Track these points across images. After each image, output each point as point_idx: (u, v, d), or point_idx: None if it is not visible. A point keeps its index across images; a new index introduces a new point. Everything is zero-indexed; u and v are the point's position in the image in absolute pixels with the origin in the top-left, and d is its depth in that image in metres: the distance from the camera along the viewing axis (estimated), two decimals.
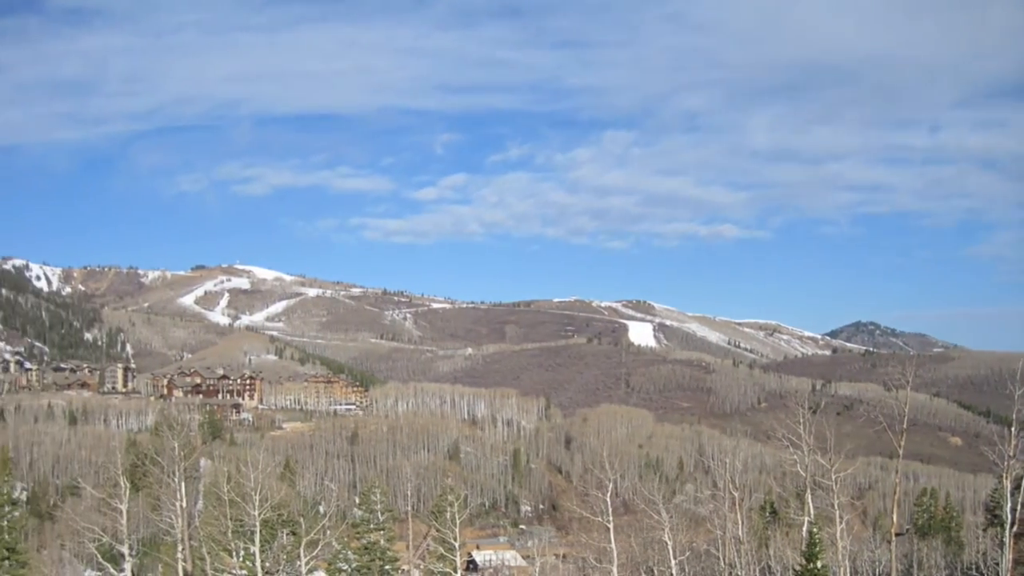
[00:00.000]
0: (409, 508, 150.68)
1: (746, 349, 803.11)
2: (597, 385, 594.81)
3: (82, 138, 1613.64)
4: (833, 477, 58.91)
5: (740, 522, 68.24)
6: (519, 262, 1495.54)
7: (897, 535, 64.74)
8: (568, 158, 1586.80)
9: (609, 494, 61.48)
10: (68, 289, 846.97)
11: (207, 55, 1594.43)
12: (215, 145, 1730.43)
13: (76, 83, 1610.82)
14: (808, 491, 61.65)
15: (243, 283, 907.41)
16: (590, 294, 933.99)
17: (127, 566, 57.71)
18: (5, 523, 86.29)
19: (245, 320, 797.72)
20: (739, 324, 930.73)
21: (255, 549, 58.74)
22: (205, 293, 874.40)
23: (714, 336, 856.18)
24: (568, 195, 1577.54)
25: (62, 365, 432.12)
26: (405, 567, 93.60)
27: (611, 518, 60.95)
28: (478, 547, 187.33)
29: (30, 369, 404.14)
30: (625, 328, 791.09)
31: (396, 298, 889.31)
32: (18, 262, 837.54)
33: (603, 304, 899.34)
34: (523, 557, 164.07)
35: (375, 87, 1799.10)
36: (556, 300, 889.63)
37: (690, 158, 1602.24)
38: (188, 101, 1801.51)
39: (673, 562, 61.58)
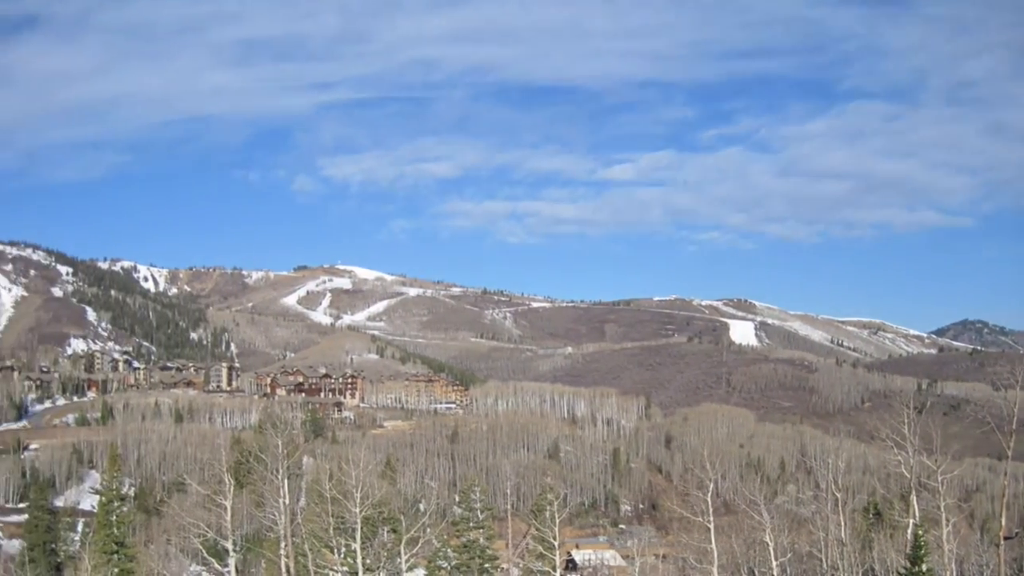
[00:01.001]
0: (509, 507, 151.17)
1: (849, 348, 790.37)
2: (697, 384, 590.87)
3: (190, 140, 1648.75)
4: (939, 478, 57.75)
5: (843, 524, 67.23)
6: (619, 260, 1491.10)
7: (1006, 538, 63.20)
8: (797, 131, 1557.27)
9: (710, 494, 61.00)
10: (174, 290, 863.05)
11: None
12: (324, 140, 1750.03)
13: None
14: (913, 493, 60.56)
15: (345, 283, 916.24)
16: (690, 292, 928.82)
17: (231, 561, 58.53)
18: (114, 518, 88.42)
19: (347, 320, 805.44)
20: (842, 322, 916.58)
21: (356, 546, 59.27)
22: (307, 293, 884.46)
23: (817, 335, 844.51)
24: (775, 178, 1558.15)
25: (169, 364, 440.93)
26: (504, 566, 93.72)
27: (711, 518, 60.43)
28: (577, 546, 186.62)
29: (138, 368, 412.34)
30: (726, 327, 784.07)
31: (496, 297, 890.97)
32: (126, 264, 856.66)
33: (703, 303, 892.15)
34: (622, 557, 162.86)
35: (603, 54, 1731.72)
36: (656, 299, 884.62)
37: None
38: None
39: (774, 563, 60.91)
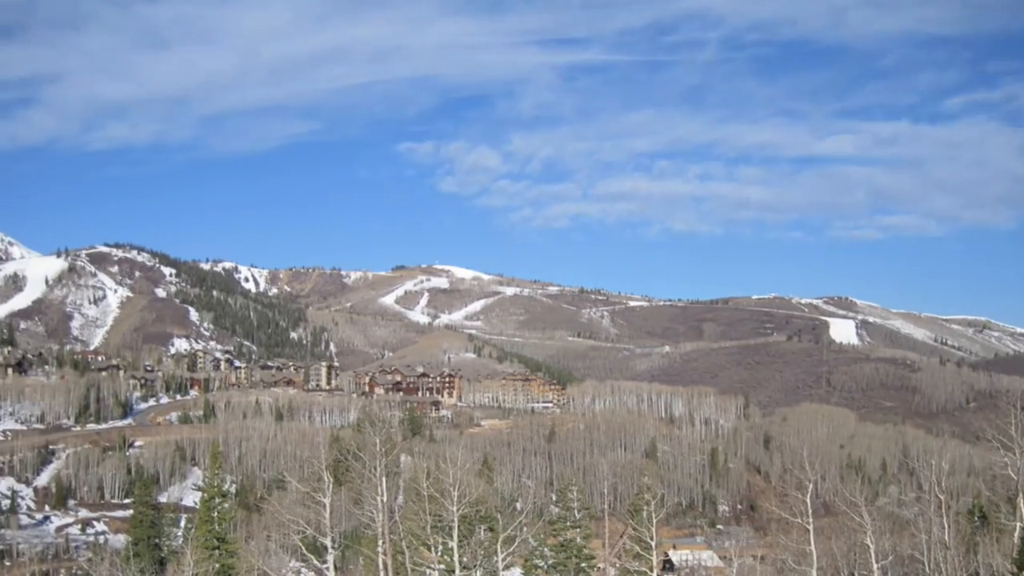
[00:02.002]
0: (605, 506, 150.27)
1: (953, 346, 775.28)
2: (797, 384, 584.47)
3: (295, 142, 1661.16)
4: None
5: (946, 526, 65.79)
6: (717, 259, 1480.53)
7: None
8: None
9: (809, 495, 60.19)
10: (274, 290, 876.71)
11: None
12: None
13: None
14: (1020, 495, 59.26)
15: (442, 283, 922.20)
16: (789, 291, 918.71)
17: (330, 558, 58.94)
18: (216, 514, 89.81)
19: (444, 319, 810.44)
20: (946, 320, 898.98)
21: (453, 544, 59.46)
22: (405, 293, 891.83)
23: (919, 333, 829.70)
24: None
25: (269, 363, 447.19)
26: (601, 565, 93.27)
27: (811, 520, 59.61)
28: (674, 547, 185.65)
29: (239, 367, 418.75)
30: (826, 325, 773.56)
31: (593, 296, 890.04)
32: (228, 265, 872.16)
33: (803, 301, 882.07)
34: (720, 558, 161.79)
35: None
36: (754, 297, 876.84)
37: None
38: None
39: (875, 566, 59.82)
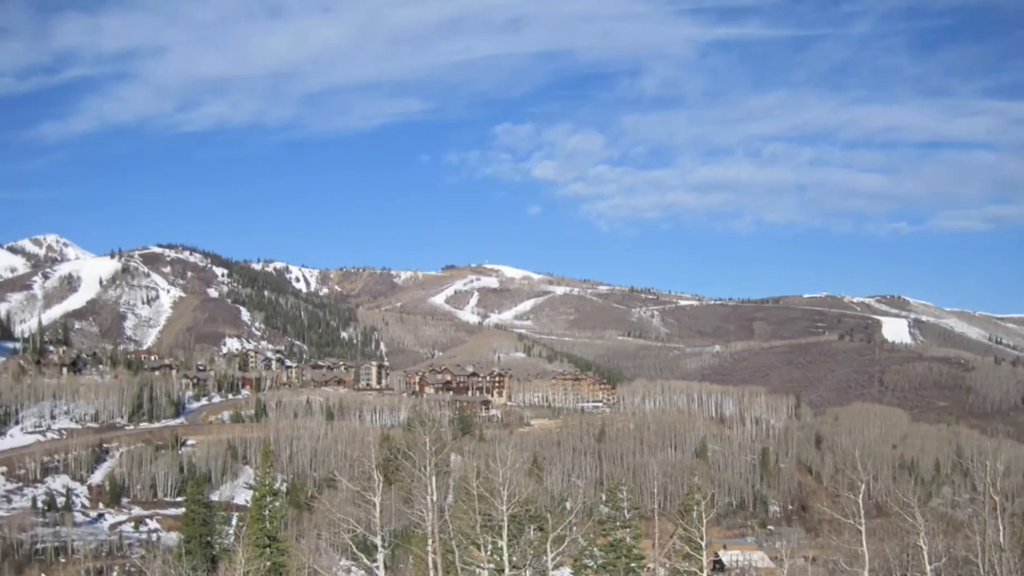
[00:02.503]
0: (655, 506, 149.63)
1: (1008, 345, 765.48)
2: (849, 383, 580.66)
3: (395, 121, 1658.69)
4: None
5: (1001, 528, 65.02)
6: (770, 257, 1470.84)
7: None
8: None
9: (861, 495, 59.60)
10: (325, 290, 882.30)
11: None
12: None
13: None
14: None
15: (492, 282, 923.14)
16: (841, 289, 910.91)
17: (380, 557, 59.03)
18: (267, 512, 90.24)
19: (494, 318, 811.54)
20: (1001, 319, 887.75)
21: (503, 543, 59.40)
22: (455, 292, 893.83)
23: (974, 332, 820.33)
24: None
25: (320, 363, 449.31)
26: (651, 565, 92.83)
27: (863, 520, 59.03)
28: (725, 547, 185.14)
29: (290, 367, 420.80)
30: (878, 324, 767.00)
31: (643, 295, 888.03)
32: (279, 265, 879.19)
33: (855, 300, 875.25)
34: (771, 558, 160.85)
35: None
36: (806, 296, 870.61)
37: None
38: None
39: (928, 568, 59.19)
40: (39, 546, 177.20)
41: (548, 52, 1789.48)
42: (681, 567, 73.61)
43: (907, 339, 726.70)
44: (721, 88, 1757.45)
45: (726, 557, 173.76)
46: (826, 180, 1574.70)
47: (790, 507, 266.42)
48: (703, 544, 68.06)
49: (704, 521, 67.56)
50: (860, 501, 59.25)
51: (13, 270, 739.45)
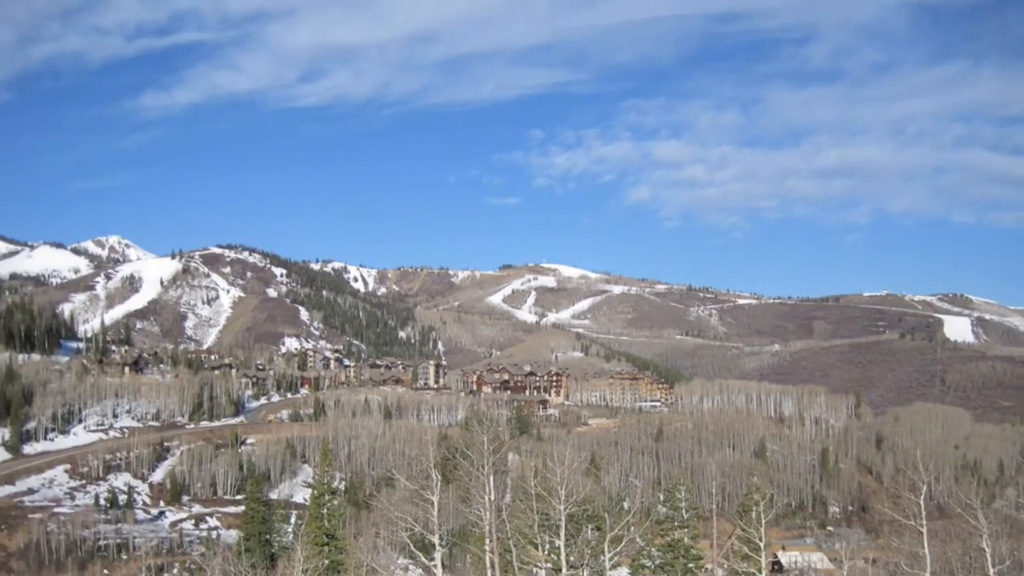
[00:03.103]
0: (714, 506, 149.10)
1: None
2: (910, 383, 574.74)
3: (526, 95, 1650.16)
4: None
5: None
6: (828, 255, 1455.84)
7: None
8: None
9: (923, 497, 58.90)
10: (383, 290, 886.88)
11: None
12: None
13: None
14: None
15: (549, 281, 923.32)
16: (902, 288, 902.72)
17: (437, 556, 59.18)
18: (325, 511, 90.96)
19: (551, 318, 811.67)
20: None
21: (560, 543, 59.41)
22: (512, 292, 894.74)
23: None
24: None
25: (378, 362, 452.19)
26: (709, 566, 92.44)
27: (924, 522, 58.34)
28: (784, 548, 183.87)
29: (348, 366, 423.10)
30: (940, 323, 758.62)
31: (701, 294, 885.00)
32: (337, 265, 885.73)
33: (916, 298, 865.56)
34: (830, 560, 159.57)
35: None
36: (866, 294, 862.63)
37: None
38: None
39: (992, 571, 58.42)
40: (101, 543, 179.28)
41: (717, 14, 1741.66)
42: (739, 568, 73.16)
43: (970, 338, 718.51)
44: (892, 60, 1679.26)
45: (785, 558, 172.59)
46: (966, 162, 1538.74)
47: (850, 508, 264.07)
48: (762, 545, 67.60)
49: (763, 522, 67.11)
50: (921, 502, 58.57)
51: (77, 271, 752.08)
